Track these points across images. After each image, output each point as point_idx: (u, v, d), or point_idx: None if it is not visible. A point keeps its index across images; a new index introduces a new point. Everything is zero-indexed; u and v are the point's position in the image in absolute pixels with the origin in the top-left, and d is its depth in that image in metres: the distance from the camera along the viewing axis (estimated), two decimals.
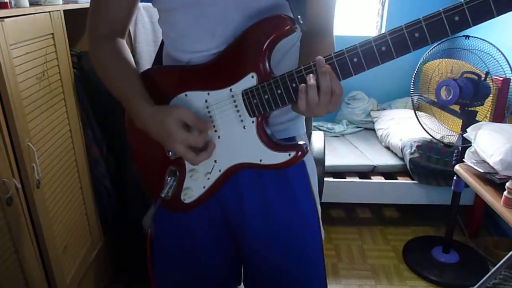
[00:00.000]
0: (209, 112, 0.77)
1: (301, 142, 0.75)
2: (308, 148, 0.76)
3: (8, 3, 1.16)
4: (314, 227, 0.90)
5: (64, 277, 1.39)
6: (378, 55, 0.64)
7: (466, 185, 1.76)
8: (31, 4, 1.30)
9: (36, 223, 1.22)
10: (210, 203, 0.87)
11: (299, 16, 0.71)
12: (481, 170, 1.53)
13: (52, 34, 1.34)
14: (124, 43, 0.88)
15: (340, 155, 2.46)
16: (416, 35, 0.61)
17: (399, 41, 0.62)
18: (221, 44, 0.76)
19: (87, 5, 1.62)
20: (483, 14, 0.56)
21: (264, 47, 0.71)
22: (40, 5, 1.35)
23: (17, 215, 1.14)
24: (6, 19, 1.07)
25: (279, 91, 0.71)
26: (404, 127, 2.42)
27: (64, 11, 1.42)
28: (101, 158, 1.70)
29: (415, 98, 2.18)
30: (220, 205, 0.88)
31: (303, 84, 0.68)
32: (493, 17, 0.56)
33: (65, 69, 1.44)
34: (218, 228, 0.91)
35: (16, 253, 1.14)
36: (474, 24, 0.58)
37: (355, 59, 0.65)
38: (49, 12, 1.32)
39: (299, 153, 0.74)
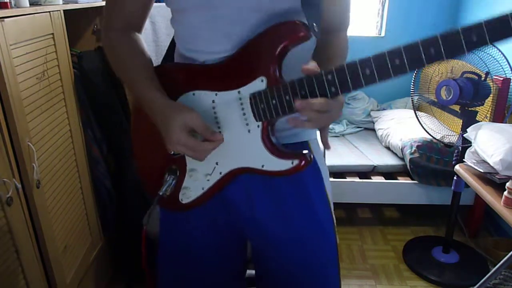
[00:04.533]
0: (215, 113, 0.77)
1: (305, 151, 0.73)
2: (312, 157, 0.74)
3: (8, 3, 1.16)
4: (330, 232, 0.88)
5: (64, 277, 1.39)
6: (391, 68, 0.62)
7: (466, 185, 1.76)
8: (31, 4, 1.30)
9: (36, 223, 1.22)
10: (214, 206, 0.85)
11: (314, 24, 0.70)
12: (481, 170, 1.53)
13: (52, 34, 1.34)
14: (140, 37, 0.87)
15: (340, 155, 2.46)
16: (432, 50, 0.59)
17: (413, 55, 0.61)
18: (238, 46, 0.75)
19: (87, 5, 1.63)
20: (501, 34, 0.55)
21: (277, 52, 0.70)
22: (40, 5, 1.35)
23: (17, 215, 1.14)
24: (6, 19, 1.07)
25: (287, 97, 0.69)
26: (404, 127, 2.42)
27: (64, 11, 1.42)
28: (101, 158, 1.70)
29: (415, 98, 2.18)
30: (226, 208, 0.87)
31: (299, 103, 0.67)
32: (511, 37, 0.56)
33: (65, 69, 1.44)
34: (221, 231, 0.90)
35: (16, 253, 1.14)
36: (492, 43, 0.57)
37: (367, 71, 0.64)
38: (49, 12, 1.32)
39: (303, 162, 0.72)
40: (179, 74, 0.81)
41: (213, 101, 0.76)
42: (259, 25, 0.73)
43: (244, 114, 0.74)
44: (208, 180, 0.81)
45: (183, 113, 0.72)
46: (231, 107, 0.75)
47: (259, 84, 0.72)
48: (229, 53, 0.76)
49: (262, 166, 0.75)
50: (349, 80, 0.65)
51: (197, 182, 0.82)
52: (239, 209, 0.86)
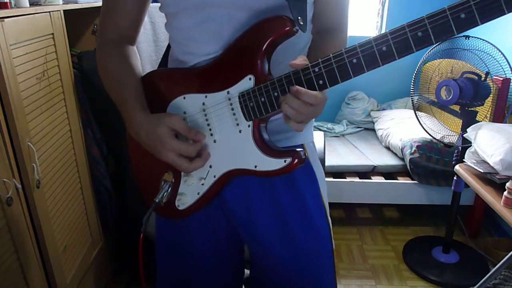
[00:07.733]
0: (205, 115, 0.76)
1: (298, 149, 0.71)
2: (307, 155, 0.72)
3: (8, 3, 1.16)
4: (326, 238, 0.87)
5: (64, 277, 1.39)
6: (379, 55, 0.60)
7: (466, 185, 1.76)
8: (31, 4, 1.30)
9: (36, 223, 1.22)
10: (212, 210, 0.85)
11: (299, 17, 0.68)
12: (481, 170, 1.53)
13: (52, 34, 1.34)
14: (133, 50, 0.86)
15: (340, 155, 2.46)
16: (419, 34, 0.57)
17: (401, 41, 0.58)
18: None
19: (87, 5, 1.63)
20: (492, 11, 0.52)
21: (263, 48, 0.69)
22: (40, 5, 1.35)
23: (17, 215, 1.14)
24: (6, 19, 1.07)
25: (275, 94, 0.68)
26: (404, 127, 2.42)
27: (64, 11, 1.42)
28: (101, 158, 1.70)
29: (415, 98, 2.18)
30: (224, 213, 0.86)
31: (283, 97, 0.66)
32: (503, 14, 0.52)
33: (65, 69, 1.44)
34: (219, 236, 0.90)
35: (16, 253, 1.14)
36: (483, 22, 0.54)
37: (354, 60, 0.62)
38: (49, 12, 1.32)
39: (296, 160, 0.70)
40: (169, 80, 0.81)
41: (203, 104, 0.75)
42: (248, 24, 0.72)
43: (234, 114, 0.73)
44: (202, 184, 0.79)
45: (164, 119, 0.72)
46: (221, 108, 0.74)
47: (247, 82, 0.71)
48: (218, 54, 0.75)
49: (255, 166, 0.73)
50: (336, 71, 0.64)
51: (192, 187, 0.80)
52: (237, 213, 0.85)
